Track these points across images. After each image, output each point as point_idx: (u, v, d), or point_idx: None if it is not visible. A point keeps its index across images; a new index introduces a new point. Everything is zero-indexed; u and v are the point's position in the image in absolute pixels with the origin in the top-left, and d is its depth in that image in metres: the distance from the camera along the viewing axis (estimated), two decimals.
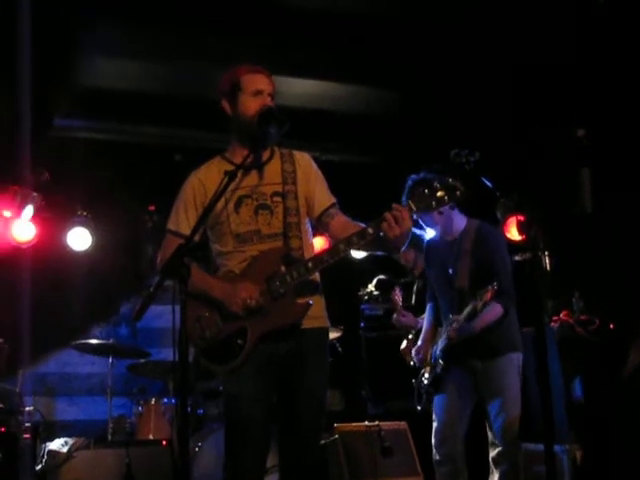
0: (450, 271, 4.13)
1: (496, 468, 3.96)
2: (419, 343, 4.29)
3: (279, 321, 2.98)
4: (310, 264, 2.99)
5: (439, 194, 2.89)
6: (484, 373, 4.02)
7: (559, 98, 5.47)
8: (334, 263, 2.98)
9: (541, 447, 4.59)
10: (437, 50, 5.49)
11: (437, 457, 4.10)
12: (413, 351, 4.29)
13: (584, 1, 5.04)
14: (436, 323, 4.30)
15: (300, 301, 3.01)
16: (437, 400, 4.14)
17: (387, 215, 2.85)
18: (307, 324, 3.03)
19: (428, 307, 4.42)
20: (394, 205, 2.88)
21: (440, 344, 4.09)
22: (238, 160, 3.11)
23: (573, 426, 4.71)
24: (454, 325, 3.94)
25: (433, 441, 4.13)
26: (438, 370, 4.08)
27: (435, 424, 4.13)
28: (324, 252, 3.02)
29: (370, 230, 2.91)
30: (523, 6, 5.04)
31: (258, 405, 2.99)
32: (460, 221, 4.16)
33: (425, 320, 4.40)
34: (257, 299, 2.96)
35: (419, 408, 4.26)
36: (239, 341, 2.99)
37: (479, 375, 4.04)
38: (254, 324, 2.98)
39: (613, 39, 5.16)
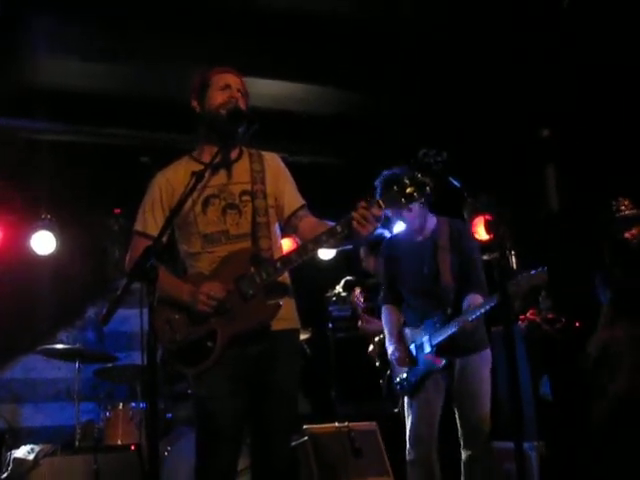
0: (425, 270, 4.08)
1: (469, 471, 3.93)
2: (393, 345, 4.18)
3: (248, 323, 2.96)
4: (279, 264, 2.98)
5: (408, 190, 2.90)
6: (462, 370, 4.00)
7: (524, 98, 5.53)
8: (302, 263, 2.97)
9: (510, 445, 4.64)
10: (403, 50, 5.53)
11: (412, 456, 4.03)
12: (390, 352, 4.18)
13: (549, 2, 5.10)
14: (400, 324, 4.24)
15: (270, 302, 2.99)
16: (413, 399, 4.08)
17: (356, 215, 2.86)
18: (278, 326, 3.02)
19: (387, 309, 4.31)
20: (362, 203, 2.88)
21: (432, 340, 4.00)
22: (206, 159, 3.09)
23: (540, 423, 4.78)
24: (467, 316, 3.86)
25: (408, 441, 4.06)
26: (440, 365, 3.98)
27: (411, 423, 4.06)
28: (292, 252, 3.01)
29: (339, 229, 2.91)
30: (490, 4, 5.09)
31: (229, 407, 2.97)
32: (431, 220, 4.17)
33: (388, 323, 4.28)
34: (221, 294, 2.93)
35: (396, 410, 4.24)
36: (209, 343, 2.96)
37: (457, 372, 4.01)
38: (223, 326, 2.96)
39: (577, 40, 5.23)
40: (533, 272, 3.78)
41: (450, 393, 4.06)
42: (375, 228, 2.90)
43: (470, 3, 5.07)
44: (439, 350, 3.97)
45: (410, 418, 4.08)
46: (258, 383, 3.01)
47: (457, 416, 4.03)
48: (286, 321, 3.07)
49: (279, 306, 3.00)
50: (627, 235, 4.19)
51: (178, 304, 3.00)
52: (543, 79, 5.49)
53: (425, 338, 4.04)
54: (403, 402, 4.23)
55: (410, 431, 4.06)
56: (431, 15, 5.23)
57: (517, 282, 3.77)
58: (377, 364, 4.72)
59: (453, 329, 3.89)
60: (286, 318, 3.07)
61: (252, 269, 2.98)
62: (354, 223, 2.86)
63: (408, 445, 4.07)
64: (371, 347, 4.60)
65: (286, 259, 2.99)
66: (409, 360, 4.09)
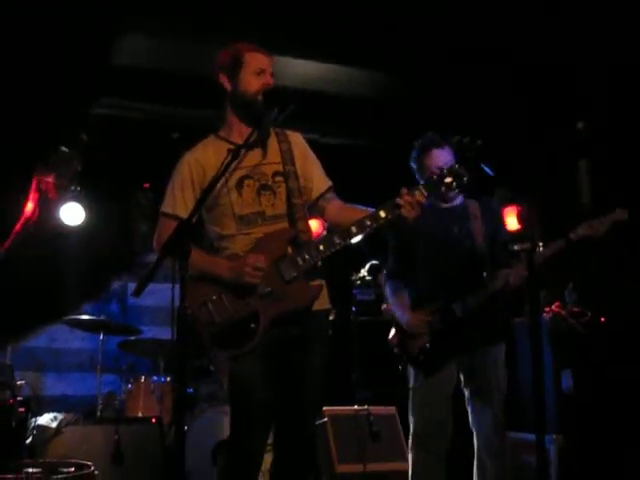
0: (456, 230, 3.86)
1: (484, 462, 3.77)
2: (408, 313, 3.88)
3: (292, 304, 2.95)
4: (322, 247, 2.96)
5: (447, 180, 3.00)
6: (482, 361, 3.79)
7: (559, 90, 5.46)
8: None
9: (529, 437, 4.63)
10: (438, 34, 5.47)
11: (423, 441, 3.81)
12: (406, 320, 3.87)
13: None
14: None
15: (313, 284, 2.99)
16: (428, 383, 3.83)
17: (401, 201, 2.92)
18: (315, 306, 3.01)
19: (396, 284, 4.04)
20: (405, 191, 2.95)
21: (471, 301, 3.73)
22: (235, 138, 3.07)
23: (561, 416, 4.75)
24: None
25: (422, 426, 3.82)
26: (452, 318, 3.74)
27: (427, 409, 3.81)
28: (336, 235, 2.98)
29: (383, 214, 2.95)
30: None
31: (265, 388, 2.95)
32: (458, 197, 4.01)
33: (399, 295, 3.99)
34: (265, 262, 2.90)
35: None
36: (252, 325, 2.92)
37: (476, 361, 3.79)
38: (266, 307, 2.93)
39: (610, 33, 5.15)
40: (615, 211, 3.63)
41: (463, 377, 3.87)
42: (418, 213, 2.95)
43: None
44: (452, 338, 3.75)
45: (424, 402, 3.83)
46: (295, 364, 3.00)
47: (469, 404, 3.86)
48: (322, 302, 3.06)
49: (322, 287, 3.01)
50: None
51: (216, 282, 2.96)
52: (579, 70, 5.42)
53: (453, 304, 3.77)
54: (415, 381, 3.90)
55: (426, 417, 3.81)
56: (466, 3, 5.18)
57: (593, 223, 3.63)
58: (395, 350, 4.67)
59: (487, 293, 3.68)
60: (322, 299, 3.06)
61: (290, 250, 2.97)
62: (401, 209, 2.91)
63: (422, 430, 3.83)
64: (392, 332, 4.53)
65: (329, 242, 2.96)
66: (428, 323, 3.80)
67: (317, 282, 3.01)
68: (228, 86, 3.12)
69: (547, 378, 4.85)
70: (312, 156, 3.24)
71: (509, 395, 3.86)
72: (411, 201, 2.92)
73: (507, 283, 3.73)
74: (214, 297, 2.95)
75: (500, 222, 3.99)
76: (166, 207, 3.12)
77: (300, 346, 2.99)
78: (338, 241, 2.95)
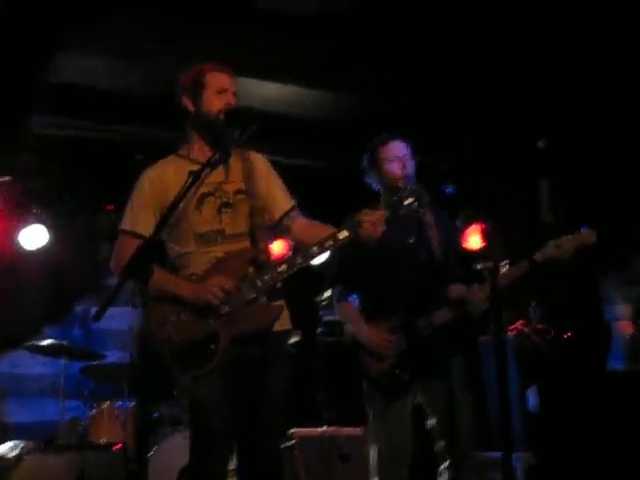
0: (411, 239, 3.66)
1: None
2: (365, 328, 3.58)
3: (252, 325, 2.93)
4: (282, 267, 2.95)
5: (407, 201, 3.01)
6: (444, 383, 3.54)
7: (522, 109, 5.54)
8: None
9: (495, 455, 4.64)
10: (399, 58, 5.53)
11: (388, 466, 3.55)
12: (364, 337, 3.56)
13: (546, 11, 5.11)
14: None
15: (274, 304, 2.98)
16: (392, 408, 3.57)
17: (364, 219, 2.92)
18: (275, 327, 3.00)
19: (347, 304, 3.73)
20: (366, 211, 2.95)
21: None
22: (197, 157, 3.07)
23: (528, 434, 4.78)
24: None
25: (386, 451, 3.55)
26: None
27: (391, 435, 3.54)
28: (297, 255, 2.98)
29: (345, 233, 2.94)
30: (486, 11, 5.11)
31: (224, 410, 2.93)
32: None
33: (352, 313, 3.68)
34: (230, 285, 2.88)
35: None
36: (211, 346, 2.90)
37: (438, 385, 3.56)
38: (225, 328, 2.91)
39: (575, 53, 5.25)
40: (583, 229, 3.52)
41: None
42: (380, 233, 2.94)
43: (468, 9, 5.09)
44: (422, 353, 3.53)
45: (383, 427, 3.57)
46: (253, 384, 2.98)
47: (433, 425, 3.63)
48: (282, 322, 3.05)
49: (282, 308, 2.99)
50: None
51: (175, 303, 2.94)
52: (542, 90, 5.51)
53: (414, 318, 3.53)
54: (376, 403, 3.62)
55: (388, 448, 3.54)
56: (429, 20, 5.25)
57: (559, 244, 3.49)
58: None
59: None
60: (282, 319, 3.05)
61: (251, 271, 2.96)
62: (363, 230, 2.91)
63: (380, 456, 3.55)
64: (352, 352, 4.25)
65: (290, 262, 2.96)
66: (393, 340, 3.52)
67: (278, 303, 3.00)
68: (191, 107, 3.12)
69: (513, 396, 4.88)
70: (275, 176, 3.24)
71: (475, 414, 3.84)
72: (372, 220, 2.93)
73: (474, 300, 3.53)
74: (173, 317, 2.93)
75: (454, 233, 3.85)
76: (125, 224, 3.09)
77: (260, 367, 2.97)
78: (299, 261, 2.95)
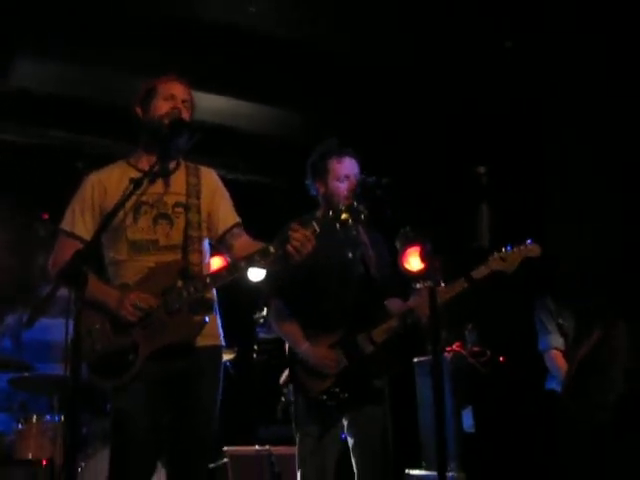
0: (350, 255, 3.62)
1: None
2: (306, 343, 3.49)
3: (171, 337, 2.89)
4: (208, 280, 2.94)
5: (343, 217, 2.93)
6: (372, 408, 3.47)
7: (462, 135, 5.65)
8: (231, 282, 2.94)
9: (429, 475, 4.67)
10: (348, 77, 5.58)
11: None
12: (308, 352, 3.47)
13: (490, 44, 5.24)
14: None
15: (195, 318, 2.93)
16: (324, 430, 3.43)
17: (293, 235, 2.84)
18: (201, 342, 2.97)
19: (284, 308, 3.61)
20: (295, 226, 2.87)
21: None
22: (143, 166, 3.06)
23: (463, 454, 4.82)
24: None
25: (314, 477, 3.39)
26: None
27: (320, 459, 3.39)
28: (223, 269, 2.98)
29: (272, 249, 2.89)
30: (431, 44, 5.21)
31: (147, 423, 2.87)
32: None
33: (295, 329, 3.55)
34: (149, 303, 2.86)
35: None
36: (130, 356, 2.88)
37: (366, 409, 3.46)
38: (145, 339, 2.89)
39: (516, 81, 5.39)
40: (528, 242, 3.54)
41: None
42: (310, 250, 2.87)
43: (410, 31, 5.17)
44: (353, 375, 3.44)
45: (312, 448, 3.41)
46: (179, 400, 2.94)
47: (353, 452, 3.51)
48: (210, 338, 3.02)
49: (204, 323, 2.94)
50: None
51: (102, 311, 2.91)
52: (482, 116, 5.63)
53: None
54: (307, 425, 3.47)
55: (312, 466, 3.40)
56: (373, 40, 5.32)
57: (503, 256, 3.51)
58: (282, 398, 4.39)
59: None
60: (211, 335, 3.02)
61: (180, 283, 2.92)
62: (290, 247, 2.84)
63: None
64: (285, 375, 3.82)
65: (216, 275, 2.96)
66: (334, 357, 3.44)
67: (200, 316, 2.94)
68: (141, 115, 3.13)
69: (448, 416, 4.92)
70: (222, 192, 3.23)
71: (409, 434, 3.85)
72: (300, 237, 2.85)
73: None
74: (97, 325, 2.91)
75: (384, 250, 3.75)
76: (65, 225, 3.08)
77: (184, 381, 2.93)
78: (225, 275, 2.94)
